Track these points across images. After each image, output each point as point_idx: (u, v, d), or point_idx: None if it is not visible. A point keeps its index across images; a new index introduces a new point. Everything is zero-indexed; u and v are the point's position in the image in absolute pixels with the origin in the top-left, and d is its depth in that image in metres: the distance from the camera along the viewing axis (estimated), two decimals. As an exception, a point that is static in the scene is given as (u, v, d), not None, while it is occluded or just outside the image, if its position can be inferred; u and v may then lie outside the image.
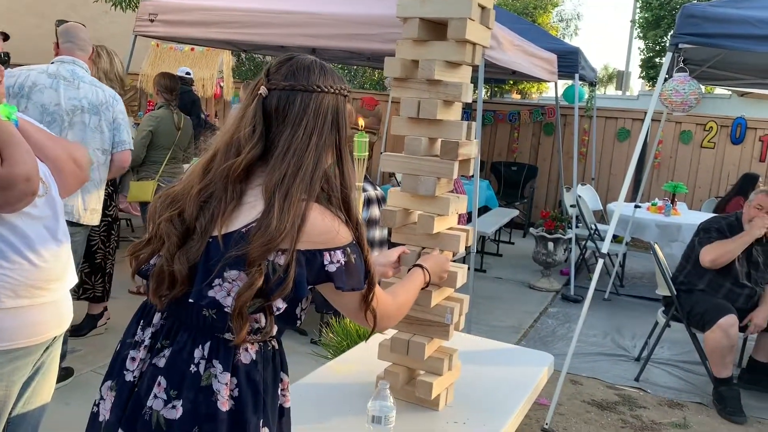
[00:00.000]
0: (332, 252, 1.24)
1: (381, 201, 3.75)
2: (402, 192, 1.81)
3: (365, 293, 1.32)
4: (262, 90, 1.28)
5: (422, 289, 1.68)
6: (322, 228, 1.24)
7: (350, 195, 1.33)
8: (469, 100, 1.81)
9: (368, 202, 3.68)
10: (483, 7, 1.72)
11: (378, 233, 3.75)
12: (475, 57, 1.76)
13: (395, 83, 1.78)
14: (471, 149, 1.84)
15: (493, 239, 7.23)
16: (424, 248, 1.84)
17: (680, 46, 3.30)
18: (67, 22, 3.32)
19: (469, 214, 4.55)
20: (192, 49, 8.46)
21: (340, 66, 10.71)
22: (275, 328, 1.28)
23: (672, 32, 3.34)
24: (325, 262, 1.24)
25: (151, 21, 4.53)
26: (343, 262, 1.25)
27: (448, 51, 1.68)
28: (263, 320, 1.24)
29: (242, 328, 1.19)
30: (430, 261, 1.73)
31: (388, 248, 3.63)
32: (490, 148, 9.17)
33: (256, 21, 4.22)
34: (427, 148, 1.79)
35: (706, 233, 4.03)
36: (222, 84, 8.75)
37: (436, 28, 1.72)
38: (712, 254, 3.90)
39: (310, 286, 1.27)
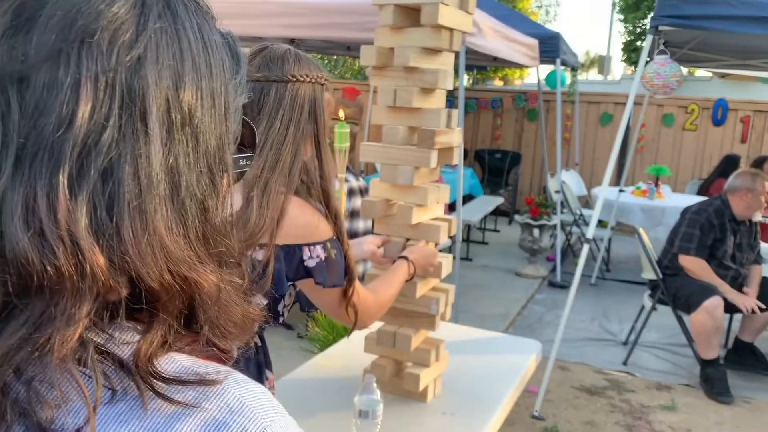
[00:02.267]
0: (312, 247, 1.21)
1: (363, 192, 3.71)
2: (382, 182, 1.78)
3: (345, 289, 1.29)
4: None
5: (407, 281, 1.66)
6: (302, 222, 1.21)
7: (330, 187, 1.29)
8: (450, 87, 1.78)
9: (350, 193, 3.65)
10: (461, -8, 1.69)
11: (362, 225, 3.71)
12: (454, 43, 1.72)
13: (374, 72, 1.75)
14: (451, 137, 1.81)
15: (478, 227, 7.23)
16: (408, 240, 1.81)
17: (660, 28, 3.29)
18: None
19: (454, 203, 4.53)
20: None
21: (319, 56, 10.62)
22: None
23: (652, 15, 3.33)
24: (305, 257, 1.21)
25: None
26: (323, 258, 1.22)
27: (424, 37, 1.65)
28: None
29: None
30: (416, 253, 1.70)
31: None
32: (473, 135, 9.15)
33: (231, 11, 4.14)
34: (407, 137, 1.75)
35: (690, 226, 4.01)
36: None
37: (412, 15, 1.68)
38: (689, 266, 3.94)
39: (290, 283, 1.23)
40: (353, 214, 3.62)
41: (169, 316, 0.45)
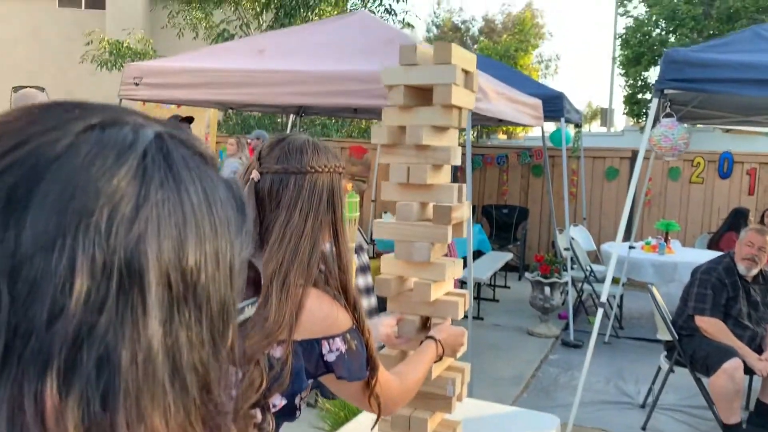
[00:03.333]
0: (331, 340, 1.19)
1: (357, 250, 3.70)
2: (396, 259, 1.76)
3: (368, 380, 1.25)
4: (254, 174, 1.24)
5: (434, 362, 1.62)
6: (320, 315, 1.18)
7: (348, 278, 1.27)
8: (458, 163, 1.78)
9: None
10: (467, 72, 1.71)
11: (362, 281, 3.69)
12: (462, 120, 1.74)
13: (384, 150, 1.75)
14: (463, 212, 1.80)
15: (488, 284, 7.16)
16: (429, 318, 1.77)
17: (665, 91, 3.32)
18: (24, 88, 3.23)
19: (464, 259, 4.49)
20: (178, 107, 8.50)
21: (326, 117, 10.78)
22: (273, 425, 1.22)
23: (657, 78, 3.37)
24: (324, 352, 1.18)
25: (136, 84, 4.52)
26: (343, 350, 1.19)
27: (435, 116, 1.66)
28: (260, 416, 1.17)
29: (247, 427, 1.13)
30: (444, 333, 1.65)
31: (375, 297, 3.55)
32: (480, 191, 9.17)
33: (243, 81, 4.22)
34: (419, 214, 1.75)
35: (701, 287, 3.96)
36: (208, 140, 8.77)
37: (421, 93, 1.70)
38: (706, 327, 3.87)
39: (310, 380, 1.20)
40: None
41: None
